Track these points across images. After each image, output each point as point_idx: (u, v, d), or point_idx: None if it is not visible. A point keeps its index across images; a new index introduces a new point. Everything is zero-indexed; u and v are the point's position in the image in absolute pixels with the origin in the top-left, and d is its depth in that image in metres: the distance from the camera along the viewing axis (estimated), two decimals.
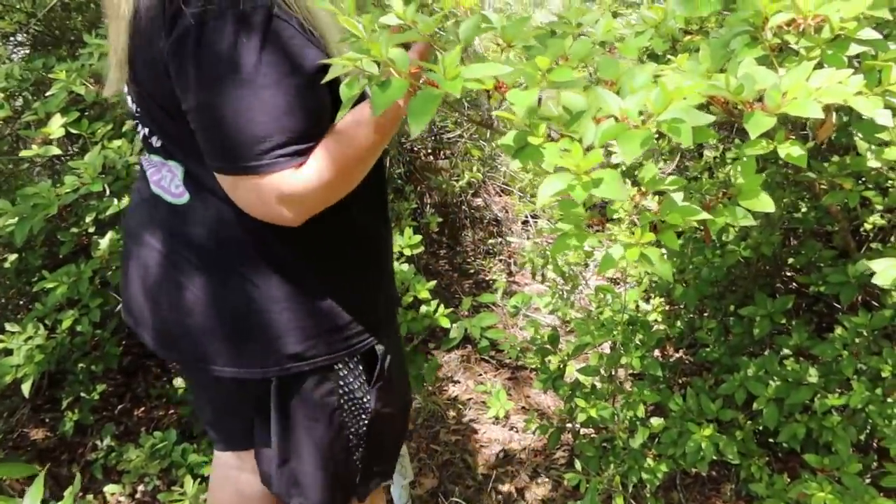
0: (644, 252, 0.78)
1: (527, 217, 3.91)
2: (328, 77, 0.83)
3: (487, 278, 3.26)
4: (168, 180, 1.09)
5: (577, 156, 0.71)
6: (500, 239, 3.63)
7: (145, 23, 0.94)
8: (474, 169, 3.25)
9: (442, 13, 1.04)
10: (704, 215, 0.82)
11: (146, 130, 1.10)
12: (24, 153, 1.72)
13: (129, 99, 1.12)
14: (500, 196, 3.92)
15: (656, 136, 0.76)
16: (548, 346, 1.88)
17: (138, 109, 1.09)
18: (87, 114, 1.91)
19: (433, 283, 1.93)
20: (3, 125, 2.05)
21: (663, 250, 0.82)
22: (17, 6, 2.55)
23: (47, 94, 1.81)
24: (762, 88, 0.80)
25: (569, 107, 0.82)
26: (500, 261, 3.43)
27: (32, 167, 2.24)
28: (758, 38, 0.94)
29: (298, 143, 0.93)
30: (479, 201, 3.83)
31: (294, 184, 0.93)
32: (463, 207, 3.54)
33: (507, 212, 3.87)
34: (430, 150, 3.63)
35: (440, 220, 2.61)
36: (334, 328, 1.12)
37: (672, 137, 0.72)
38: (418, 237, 2.05)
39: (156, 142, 1.09)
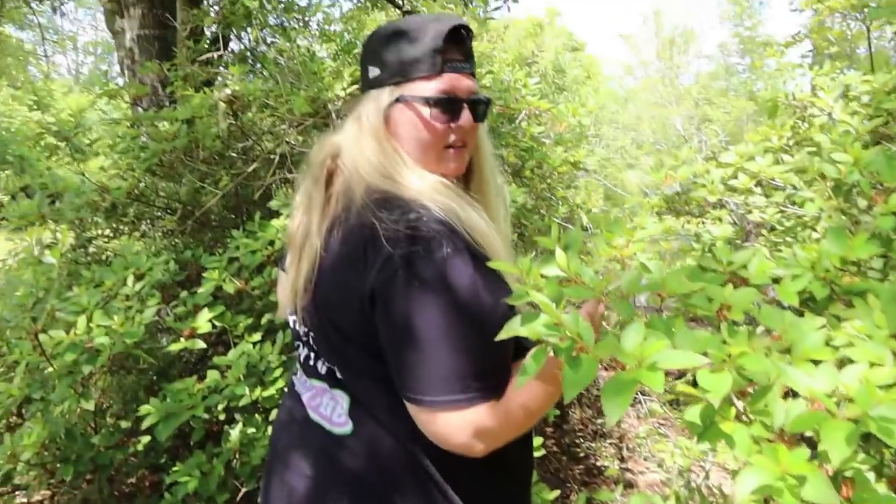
0: None
1: (636, 394, 3.77)
2: (502, 335, 0.84)
3: (599, 464, 3.10)
4: (329, 408, 1.09)
5: (783, 458, 0.68)
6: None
7: (339, 259, 1.02)
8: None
9: (603, 266, 1.08)
10: None
11: (313, 355, 1.13)
12: (172, 347, 1.83)
13: (294, 321, 1.16)
14: (608, 370, 3.81)
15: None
16: None
17: (310, 334, 1.11)
18: (227, 306, 2.04)
19: (556, 492, 1.84)
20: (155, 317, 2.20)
21: None
22: (174, 197, 2.84)
23: (198, 291, 1.95)
24: None
25: (749, 376, 0.80)
26: (611, 444, 3.27)
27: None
28: None
29: (497, 377, 0.96)
30: None
31: (492, 418, 0.94)
32: None
33: None
34: None
35: (557, 412, 2.54)
36: None
37: (882, 438, 0.68)
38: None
39: (322, 367, 1.11)
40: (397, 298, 0.94)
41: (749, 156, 1.98)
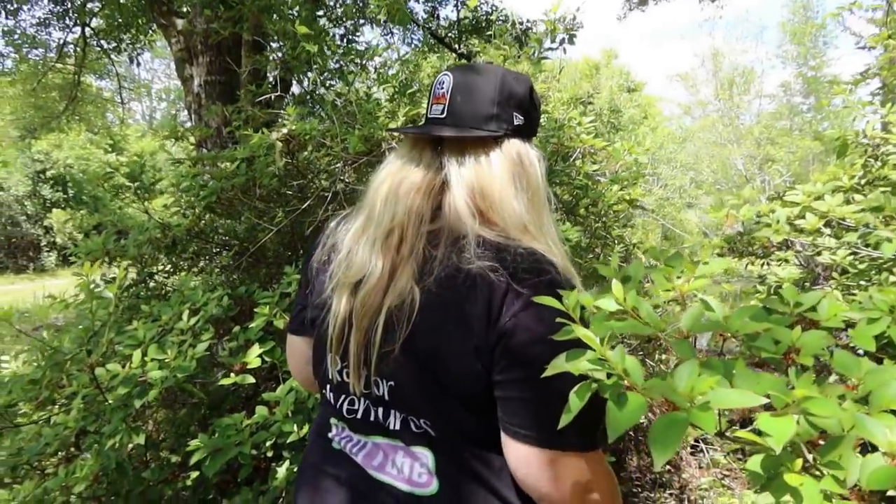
0: None
1: (696, 441, 3.60)
2: (548, 373, 0.81)
3: None
4: (406, 466, 0.99)
5: None
6: (668, 466, 3.33)
7: (448, 305, 0.93)
8: None
9: (663, 301, 1.02)
10: None
11: (380, 410, 1.02)
12: (223, 381, 1.84)
13: (345, 374, 1.05)
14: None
15: None
16: None
17: (386, 384, 1.00)
18: (277, 340, 2.05)
19: None
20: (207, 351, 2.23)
21: None
22: (231, 233, 2.91)
23: (249, 325, 1.97)
24: None
25: (819, 425, 0.73)
26: (671, 494, 3.11)
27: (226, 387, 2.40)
28: None
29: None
30: (642, 422, 3.59)
31: (603, 466, 0.94)
32: (628, 431, 3.32)
33: None
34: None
35: (612, 458, 2.43)
36: None
37: None
38: None
39: (394, 423, 1.00)
40: (524, 342, 0.89)
41: (817, 195, 1.89)
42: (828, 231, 2.14)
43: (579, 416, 0.79)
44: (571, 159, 2.60)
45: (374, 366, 0.98)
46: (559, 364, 0.81)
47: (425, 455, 0.98)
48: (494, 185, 1.01)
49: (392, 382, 0.99)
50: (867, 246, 1.71)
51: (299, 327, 1.22)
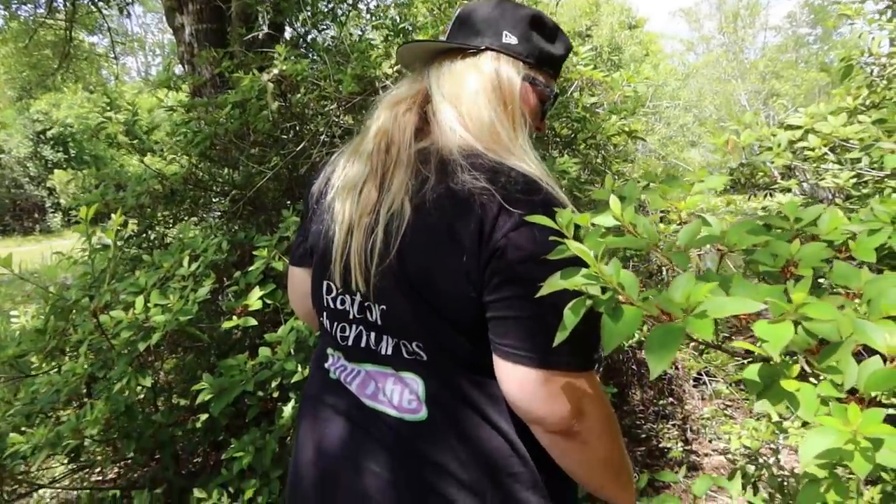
0: None
1: (699, 374, 3.64)
2: (543, 291, 0.80)
3: (661, 445, 3.00)
4: (396, 393, 0.99)
5: (854, 418, 0.61)
6: (671, 399, 3.38)
7: (438, 225, 0.93)
8: (644, 328, 3.09)
9: (657, 216, 1.01)
10: None
11: (372, 335, 1.02)
12: (226, 324, 1.85)
13: (339, 302, 1.05)
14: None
15: None
16: None
17: (378, 309, 1.00)
18: (278, 284, 2.05)
19: None
20: (209, 295, 2.24)
21: None
22: (228, 180, 2.89)
23: (249, 269, 1.97)
24: None
25: (817, 332, 0.73)
26: (674, 425, 3.16)
27: (230, 332, 2.42)
28: None
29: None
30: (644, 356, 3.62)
31: (597, 388, 0.93)
32: (631, 365, 3.36)
33: (677, 368, 3.62)
34: None
35: (615, 389, 2.46)
36: None
37: None
38: None
39: (386, 349, 1.00)
40: (521, 261, 0.88)
41: (821, 116, 1.85)
42: (832, 156, 2.10)
43: (573, 336, 0.78)
44: (570, 92, 2.55)
45: (371, 285, 0.97)
46: (554, 282, 0.80)
47: (415, 381, 0.98)
48: (466, 93, 1.03)
49: (384, 306, 0.99)
50: (871, 165, 1.68)
51: (300, 259, 1.22)
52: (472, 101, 1.02)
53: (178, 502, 2.21)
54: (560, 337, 0.79)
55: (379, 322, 1.01)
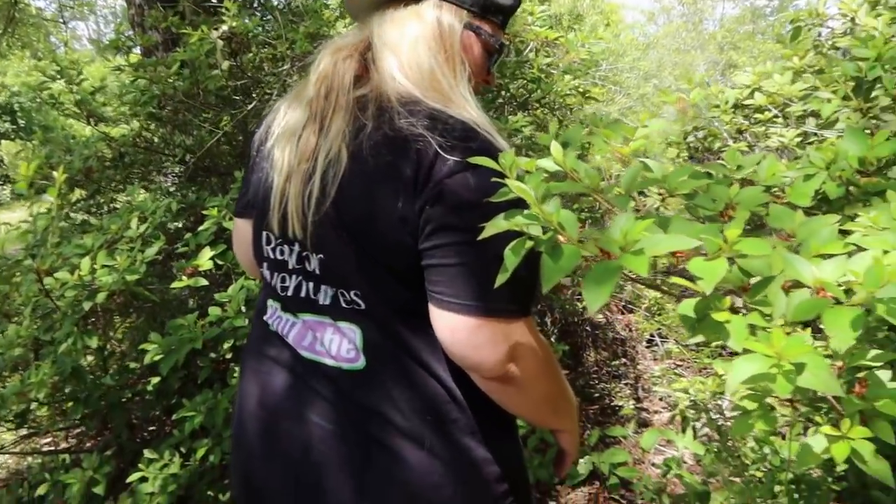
0: (855, 448, 0.67)
1: (652, 336, 3.73)
2: (486, 233, 0.80)
3: (614, 404, 3.07)
4: (335, 343, 0.99)
5: (778, 342, 0.62)
6: (624, 360, 3.46)
7: (374, 171, 0.92)
8: None
9: (601, 162, 1.02)
10: None
11: (310, 285, 1.01)
12: (175, 284, 1.82)
13: (279, 252, 1.05)
14: (624, 314, 3.77)
15: None
16: None
17: (316, 258, 0.99)
18: (229, 244, 2.02)
19: None
20: (157, 256, 2.19)
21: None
22: (179, 143, 2.82)
23: (199, 229, 1.93)
24: None
25: (750, 270, 0.75)
26: (627, 384, 3.24)
27: (181, 294, 2.38)
28: None
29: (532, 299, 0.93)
30: (601, 319, 3.69)
31: (532, 334, 0.94)
32: (585, 327, 3.41)
33: (630, 330, 3.70)
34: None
35: (566, 346, 2.50)
36: (522, 483, 1.07)
37: (890, 320, 0.63)
38: None
39: (324, 299, 1.00)
40: (455, 207, 0.87)
41: (767, 75, 1.88)
42: (781, 119, 2.14)
43: (509, 281, 0.78)
44: (525, 52, 2.54)
45: (308, 233, 0.97)
46: (496, 223, 0.80)
47: (353, 330, 0.98)
48: (407, 41, 1.01)
49: (322, 255, 0.98)
50: (817, 125, 1.72)
51: (243, 209, 1.20)
52: (413, 49, 1.01)
53: (130, 465, 2.19)
54: (501, 279, 0.79)
55: (317, 271, 1.00)
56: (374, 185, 0.92)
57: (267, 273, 1.09)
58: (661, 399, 2.97)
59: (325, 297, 1.00)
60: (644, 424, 2.87)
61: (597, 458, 2.42)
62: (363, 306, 0.97)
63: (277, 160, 1.01)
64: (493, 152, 0.88)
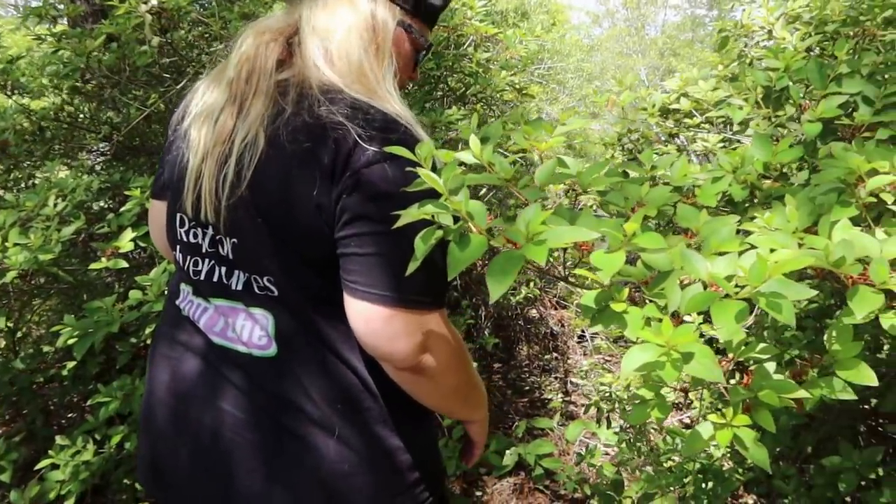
0: (738, 434, 0.71)
1: (583, 332, 3.81)
2: (400, 223, 0.81)
3: (543, 397, 3.14)
4: (245, 329, 0.98)
5: (666, 332, 0.65)
6: (555, 354, 3.53)
7: (291, 157, 0.91)
8: (531, 284, 3.20)
9: (518, 156, 1.04)
10: (803, 393, 0.74)
11: (223, 269, 1.00)
12: (93, 266, 1.76)
13: (191, 233, 1.03)
14: (556, 310, 3.84)
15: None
16: (612, 493, 1.74)
17: (229, 242, 0.98)
18: None
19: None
20: (76, 236, 2.11)
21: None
22: (105, 120, 2.71)
23: (121, 210, 1.87)
24: (863, 256, 0.74)
25: (652, 265, 0.78)
26: (557, 378, 3.31)
27: (102, 277, 2.30)
28: (850, 195, 0.89)
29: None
30: (534, 314, 3.76)
31: (444, 326, 0.95)
32: (518, 321, 3.47)
33: (563, 325, 3.78)
34: (485, 263, 3.62)
35: (496, 340, 2.54)
36: (435, 473, 1.07)
37: (770, 313, 0.66)
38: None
39: (237, 284, 0.99)
40: (370, 197, 0.87)
41: (693, 81, 1.95)
42: (703, 120, 2.23)
43: (424, 273, 0.79)
44: (464, 47, 2.55)
45: (222, 217, 0.95)
46: (409, 212, 0.81)
47: (265, 317, 0.97)
48: (338, 30, 0.99)
49: (235, 239, 0.97)
50: (725, 123, 1.80)
51: (159, 190, 1.18)
52: (344, 39, 0.99)
53: (44, 453, 2.11)
54: (412, 267, 0.80)
55: (230, 256, 0.99)
56: (291, 171, 0.91)
57: (180, 256, 1.07)
58: (586, 394, 3.05)
59: (237, 282, 0.99)
60: (571, 417, 2.94)
61: (523, 450, 2.46)
62: (276, 293, 0.96)
63: (193, 140, 0.99)
64: (412, 144, 0.88)
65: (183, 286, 1.09)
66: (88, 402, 1.75)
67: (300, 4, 1.06)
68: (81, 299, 2.28)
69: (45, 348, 2.04)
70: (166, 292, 1.78)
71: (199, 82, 1.10)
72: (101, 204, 2.41)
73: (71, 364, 1.99)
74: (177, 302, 1.09)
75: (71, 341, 1.65)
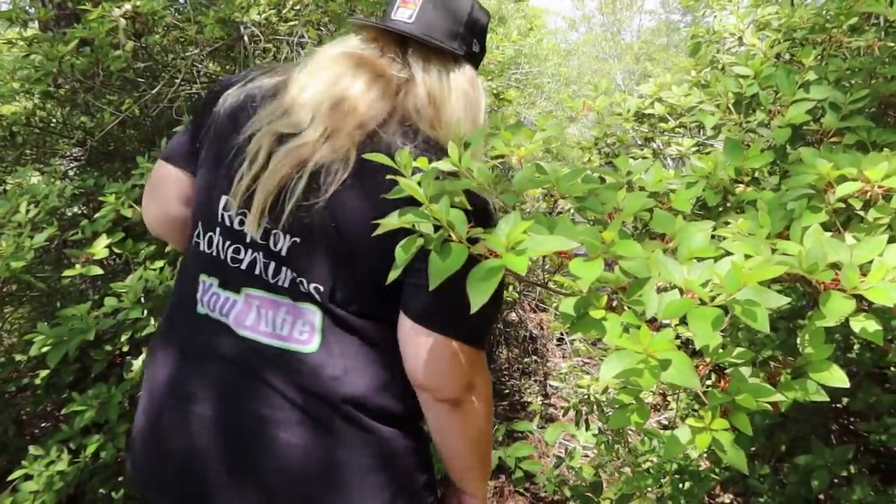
0: (716, 438, 0.72)
1: (562, 335, 3.83)
2: (379, 230, 0.82)
3: (523, 400, 3.15)
4: (287, 324, 0.97)
5: (644, 339, 0.66)
6: (535, 357, 3.54)
7: (368, 194, 0.95)
8: (510, 288, 3.21)
9: (496, 162, 1.05)
10: (779, 397, 0.76)
11: (272, 263, 0.98)
12: (67, 272, 1.74)
13: (238, 222, 1.00)
14: (536, 313, 3.86)
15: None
16: (590, 495, 1.76)
17: (277, 246, 0.98)
18: (129, 233, 1.95)
19: None
20: (49, 243, 2.08)
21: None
22: (78, 125, 2.68)
23: (95, 216, 1.85)
24: (834, 262, 0.76)
25: (629, 272, 0.79)
26: (536, 381, 3.32)
27: (76, 284, 2.26)
28: (819, 200, 0.91)
29: None
30: (513, 317, 3.77)
31: (486, 368, 1.03)
32: (498, 325, 3.48)
33: (542, 329, 3.80)
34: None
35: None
36: (430, 482, 1.10)
37: (745, 321, 0.68)
38: None
39: (283, 280, 0.98)
40: None
41: (667, 86, 1.98)
42: (677, 124, 2.26)
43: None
44: None
45: (283, 218, 0.95)
46: (387, 221, 0.81)
47: (313, 312, 0.98)
48: (450, 99, 1.05)
49: (297, 239, 0.97)
50: (697, 126, 1.82)
51: (184, 160, 1.13)
52: (451, 109, 1.06)
53: (17, 463, 2.07)
54: (392, 276, 0.81)
55: (283, 253, 0.98)
56: (378, 197, 0.91)
57: (217, 238, 1.03)
58: (565, 396, 3.07)
59: (284, 279, 0.99)
60: (550, 420, 2.96)
61: (503, 453, 2.47)
62: (319, 299, 0.97)
63: (263, 133, 0.98)
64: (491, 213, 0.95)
65: (204, 278, 1.05)
66: (63, 412, 1.73)
67: (407, 54, 1.07)
68: (55, 307, 2.25)
69: (18, 357, 2.01)
70: (149, 300, 1.77)
71: (259, 73, 1.09)
72: (75, 210, 2.37)
73: (44, 373, 1.96)
74: (197, 296, 1.05)
75: (45, 349, 1.63)
